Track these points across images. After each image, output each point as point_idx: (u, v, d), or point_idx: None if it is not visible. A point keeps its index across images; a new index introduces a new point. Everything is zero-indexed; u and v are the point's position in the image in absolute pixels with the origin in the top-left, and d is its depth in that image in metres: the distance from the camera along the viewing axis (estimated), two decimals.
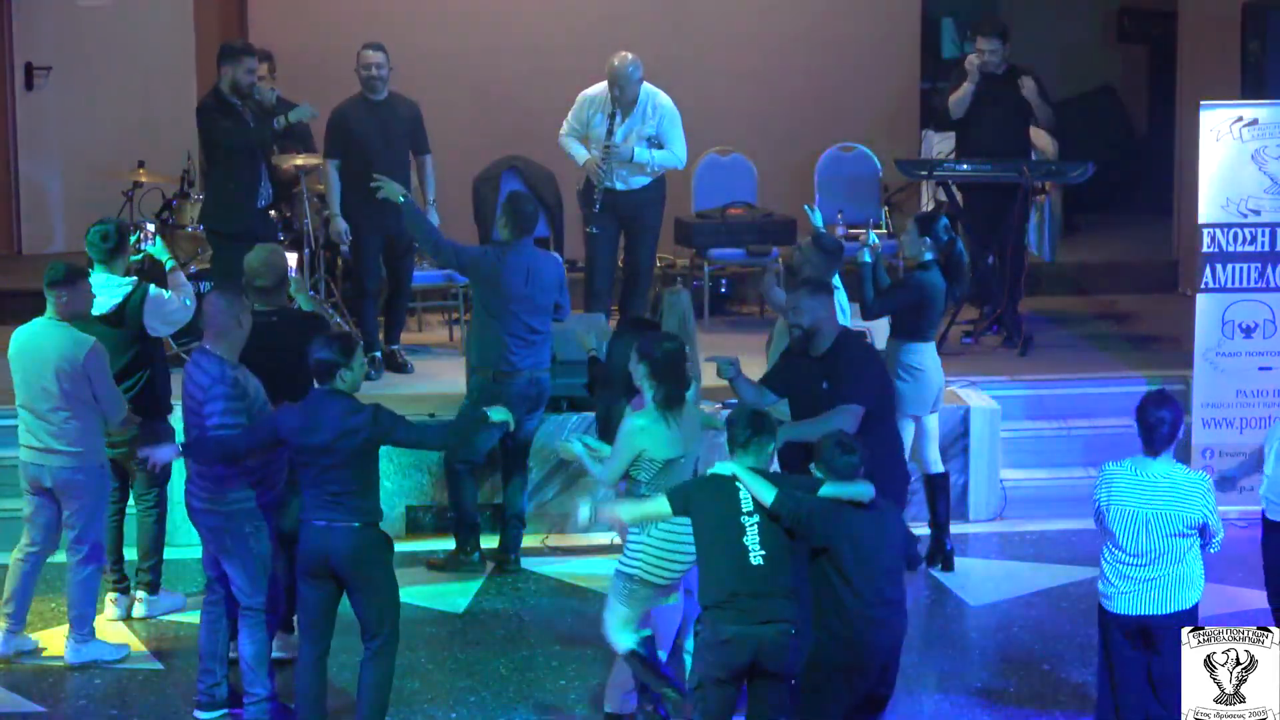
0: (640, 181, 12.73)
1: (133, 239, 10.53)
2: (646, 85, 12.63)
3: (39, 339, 9.74)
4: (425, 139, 12.77)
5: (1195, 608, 8.41)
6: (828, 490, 8.12)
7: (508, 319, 10.89)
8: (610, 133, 12.58)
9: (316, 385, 8.75)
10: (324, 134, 12.72)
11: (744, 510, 8.13)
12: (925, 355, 10.97)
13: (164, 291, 10.21)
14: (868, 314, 11.05)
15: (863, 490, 8.13)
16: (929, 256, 11.01)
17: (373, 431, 8.64)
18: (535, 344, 10.99)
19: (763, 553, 8.06)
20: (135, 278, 10.28)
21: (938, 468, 11.19)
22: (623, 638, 8.78)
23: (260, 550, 9.16)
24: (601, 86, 12.69)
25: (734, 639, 8.04)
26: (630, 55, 12.52)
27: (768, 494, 8.08)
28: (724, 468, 8.23)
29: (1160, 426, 8.35)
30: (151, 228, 11.36)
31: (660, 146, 12.64)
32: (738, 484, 8.16)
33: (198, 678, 9.33)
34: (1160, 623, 8.34)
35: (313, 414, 8.66)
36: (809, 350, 9.60)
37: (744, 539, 8.09)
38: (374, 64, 12.57)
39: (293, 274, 10.20)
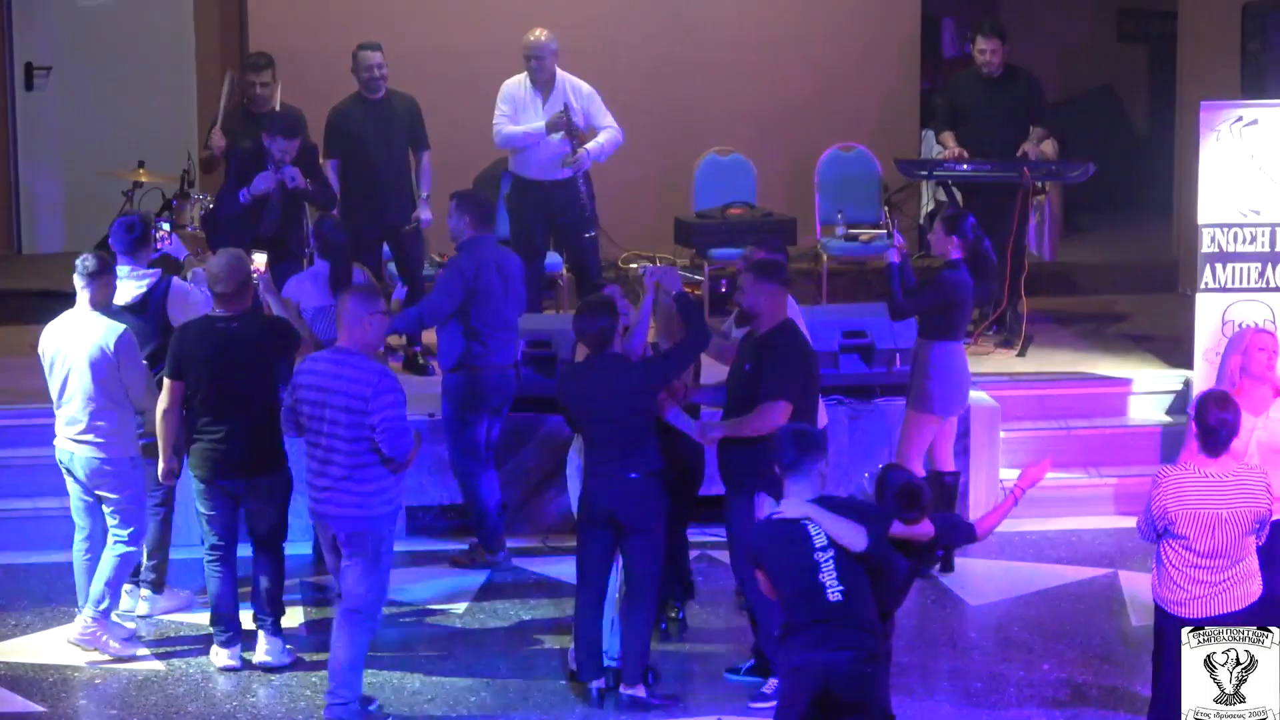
0: (565, 172, 12.66)
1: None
2: (561, 71, 12.65)
3: (73, 330, 9.79)
4: (424, 135, 12.76)
5: (1261, 599, 8.41)
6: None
7: (483, 313, 10.85)
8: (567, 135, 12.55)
9: (592, 353, 9.40)
10: (322, 135, 12.71)
11: (817, 547, 7.89)
12: (954, 355, 10.95)
13: (186, 284, 10.33)
14: (896, 314, 10.97)
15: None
16: (956, 255, 10.99)
17: (645, 382, 9.32)
18: (507, 340, 10.99)
19: (841, 588, 7.83)
20: (159, 270, 10.38)
21: (949, 466, 11.18)
22: None
23: (388, 556, 9.26)
24: (520, 76, 12.68)
25: (803, 666, 7.82)
26: (545, 30, 12.55)
27: (859, 541, 7.87)
28: (792, 509, 7.98)
29: (1223, 429, 8.35)
30: (167, 227, 11.48)
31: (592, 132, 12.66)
32: (806, 523, 7.92)
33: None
34: (1234, 620, 8.28)
35: (598, 377, 9.31)
36: (748, 330, 9.55)
37: (819, 576, 7.85)
38: (374, 64, 12.58)
39: (260, 277, 10.17)
